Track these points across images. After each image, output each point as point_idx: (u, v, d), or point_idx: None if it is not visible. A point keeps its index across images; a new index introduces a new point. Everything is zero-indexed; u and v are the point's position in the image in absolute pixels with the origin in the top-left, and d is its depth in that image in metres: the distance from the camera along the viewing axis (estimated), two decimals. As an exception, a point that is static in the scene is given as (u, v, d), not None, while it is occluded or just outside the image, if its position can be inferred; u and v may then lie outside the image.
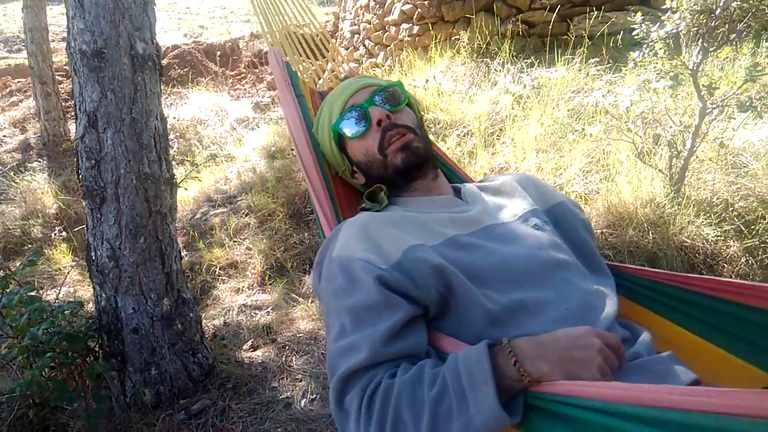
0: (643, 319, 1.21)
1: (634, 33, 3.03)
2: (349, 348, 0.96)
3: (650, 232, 2.85)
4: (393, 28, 6.53)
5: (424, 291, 1.01)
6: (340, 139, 1.38)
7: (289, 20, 2.10)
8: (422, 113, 1.40)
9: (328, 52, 2.17)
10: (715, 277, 1.12)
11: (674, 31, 2.87)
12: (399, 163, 1.26)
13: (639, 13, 3.03)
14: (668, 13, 2.90)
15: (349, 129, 1.33)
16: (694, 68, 2.88)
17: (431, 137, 1.83)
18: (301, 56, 2.07)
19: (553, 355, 0.84)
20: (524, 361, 0.84)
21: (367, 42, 7.27)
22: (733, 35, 2.92)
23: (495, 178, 1.44)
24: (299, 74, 1.85)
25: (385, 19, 6.64)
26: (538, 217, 1.27)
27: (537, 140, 3.83)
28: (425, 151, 1.30)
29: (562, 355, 0.84)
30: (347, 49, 7.82)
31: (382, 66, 6.57)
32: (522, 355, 0.85)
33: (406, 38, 6.24)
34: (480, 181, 1.45)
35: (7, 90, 8.43)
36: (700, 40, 2.87)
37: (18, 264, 2.53)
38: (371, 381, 0.93)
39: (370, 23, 7.09)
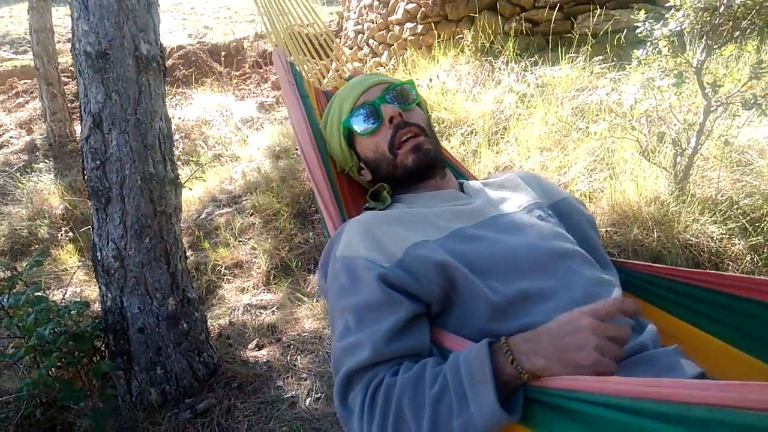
0: (648, 315, 1.20)
1: (638, 31, 3.02)
2: (352, 347, 0.98)
3: (655, 231, 2.84)
4: (397, 28, 6.52)
5: (426, 287, 1.02)
6: (349, 136, 1.39)
7: (293, 20, 2.11)
8: (429, 113, 1.39)
9: (332, 51, 2.18)
10: (719, 272, 1.13)
11: (678, 28, 2.86)
12: (410, 164, 1.27)
13: (643, 11, 3.01)
14: (672, 11, 2.89)
15: (359, 125, 1.33)
16: (698, 66, 2.87)
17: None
18: (305, 56, 2.08)
19: (547, 347, 0.83)
20: (520, 358, 0.83)
21: (371, 41, 7.27)
22: (737, 33, 2.90)
23: (498, 175, 1.45)
24: (303, 74, 1.86)
25: (389, 18, 6.64)
26: (542, 210, 1.27)
27: (541, 139, 3.83)
28: (435, 152, 1.30)
29: (557, 344, 0.83)
30: (351, 48, 7.82)
31: (386, 65, 6.57)
32: (518, 352, 0.84)
33: (410, 37, 6.23)
34: (484, 179, 1.46)
35: (14, 91, 8.47)
36: (704, 38, 2.86)
37: (25, 264, 2.54)
38: (374, 379, 0.94)
39: (374, 22, 7.09)
